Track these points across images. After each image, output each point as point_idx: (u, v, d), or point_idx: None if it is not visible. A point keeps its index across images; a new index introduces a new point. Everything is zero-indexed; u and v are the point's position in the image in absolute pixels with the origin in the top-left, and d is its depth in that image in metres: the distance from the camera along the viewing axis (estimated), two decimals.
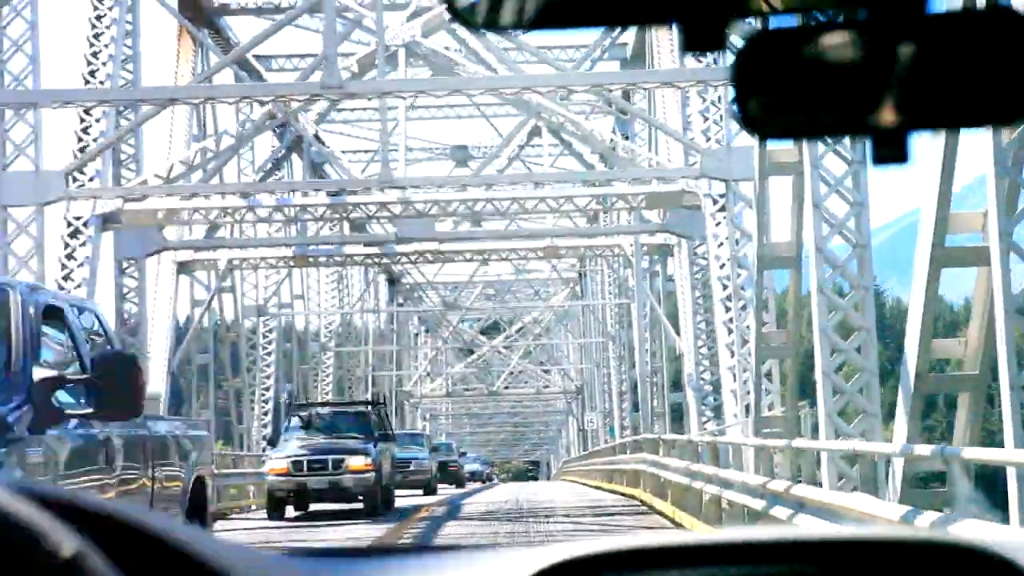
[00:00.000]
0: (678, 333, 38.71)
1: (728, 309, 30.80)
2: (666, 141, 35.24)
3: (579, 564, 1.42)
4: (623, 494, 38.59)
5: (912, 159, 1.52)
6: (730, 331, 30.69)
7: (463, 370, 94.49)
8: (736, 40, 1.70)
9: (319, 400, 60.45)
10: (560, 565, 1.42)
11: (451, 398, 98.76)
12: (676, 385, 44.38)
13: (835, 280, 22.44)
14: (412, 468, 43.58)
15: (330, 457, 28.58)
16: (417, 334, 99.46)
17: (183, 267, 38.30)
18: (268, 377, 50.29)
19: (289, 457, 28.87)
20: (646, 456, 34.06)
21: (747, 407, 28.31)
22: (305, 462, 28.62)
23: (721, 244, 31.04)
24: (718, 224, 31.25)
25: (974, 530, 10.13)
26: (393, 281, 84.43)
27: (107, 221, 30.32)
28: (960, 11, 1.62)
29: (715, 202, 30.59)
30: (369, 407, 32.38)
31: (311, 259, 38.75)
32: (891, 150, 1.52)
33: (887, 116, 1.51)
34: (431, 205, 31.84)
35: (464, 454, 67.10)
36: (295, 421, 31.16)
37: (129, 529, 1.30)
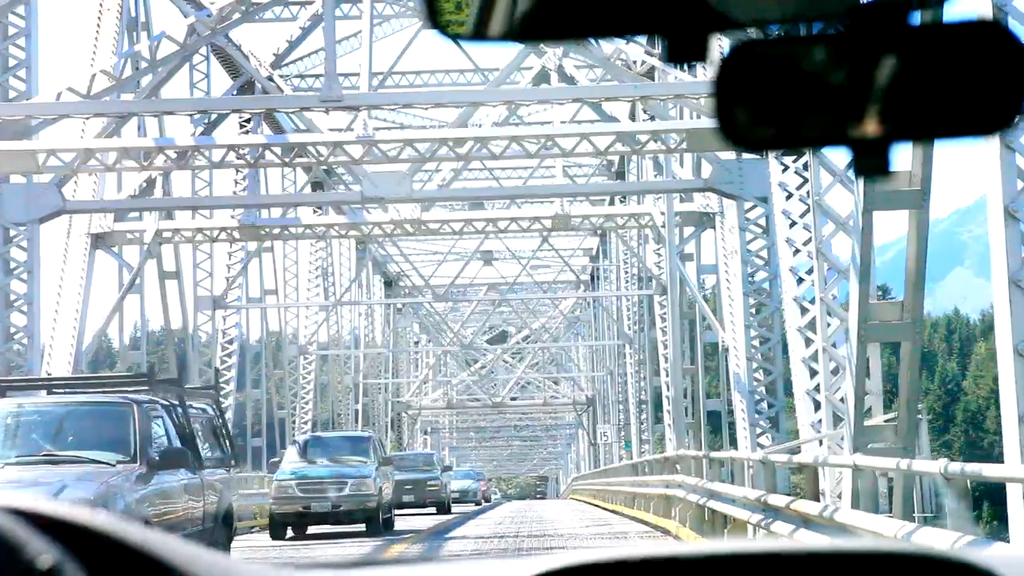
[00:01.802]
0: (717, 325, 30.43)
1: (800, 281, 22.48)
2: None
3: (573, 572, 1.41)
4: (651, 525, 30.26)
5: (893, 169, 1.51)
6: (804, 310, 22.36)
7: (466, 378, 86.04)
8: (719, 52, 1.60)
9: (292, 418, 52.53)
10: (554, 572, 1.42)
11: (453, 410, 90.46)
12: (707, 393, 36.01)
13: None
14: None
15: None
16: (417, 342, 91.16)
17: (100, 240, 30.00)
18: (228, 382, 41.91)
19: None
20: (683, 480, 25.67)
21: (835, 415, 19.95)
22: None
23: (790, 196, 22.78)
24: (785, 170, 23.02)
25: None
26: (390, 283, 76.51)
27: None
28: (941, 23, 1.59)
29: None
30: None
31: (262, 230, 30.32)
32: (873, 161, 1.51)
33: (869, 127, 1.50)
34: (402, 147, 23.49)
35: (448, 468, 51.48)
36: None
37: (107, 541, 1.30)
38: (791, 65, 1.50)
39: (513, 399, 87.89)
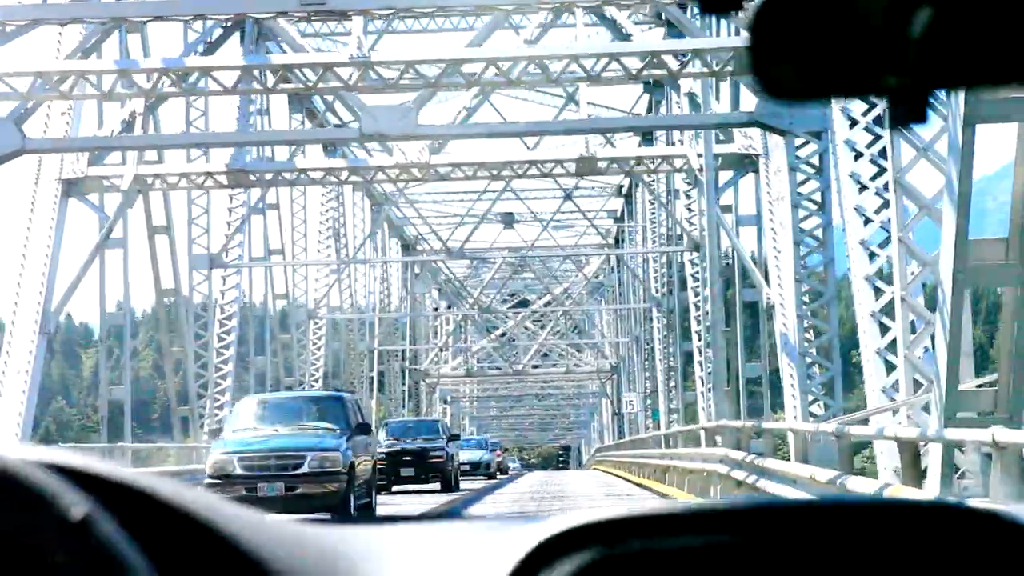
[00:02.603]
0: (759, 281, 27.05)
1: (868, 222, 19.09)
2: None
3: (583, 533, 1.41)
4: None
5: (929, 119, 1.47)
6: (872, 256, 18.98)
7: (486, 346, 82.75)
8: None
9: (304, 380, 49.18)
10: (565, 534, 1.41)
11: (472, 378, 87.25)
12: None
13: None
14: None
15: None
16: (436, 308, 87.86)
17: (72, 187, 26.72)
18: (227, 347, 38.66)
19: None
20: (726, 453, 22.28)
21: (915, 380, 16.57)
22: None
23: (854, 124, 19.37)
24: None
25: None
26: (408, 247, 73.12)
27: None
28: None
29: None
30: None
31: (252, 175, 26.92)
32: (909, 110, 1.49)
33: (905, 75, 1.49)
34: (403, 70, 20.11)
35: (456, 437, 40.93)
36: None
37: (140, 495, 1.31)
38: (826, 12, 1.46)
39: (535, 367, 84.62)
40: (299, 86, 20.52)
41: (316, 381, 51.44)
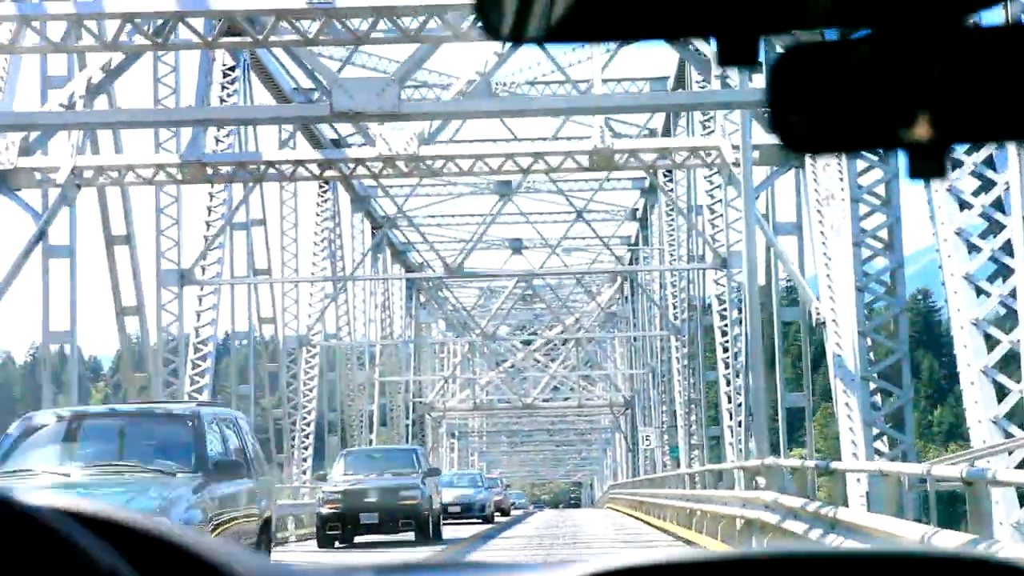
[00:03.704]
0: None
1: (964, 207, 14.81)
2: None
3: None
4: None
5: (947, 173, 1.49)
6: (973, 249, 14.67)
7: (494, 378, 78.47)
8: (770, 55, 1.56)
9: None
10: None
11: (480, 411, 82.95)
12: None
13: None
14: None
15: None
16: (444, 343, 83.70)
17: (2, 182, 22.52)
18: (202, 374, 34.37)
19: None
20: (775, 498, 17.92)
21: None
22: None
23: None
24: None
25: None
26: (411, 269, 68.93)
27: None
28: (995, 25, 1.57)
29: None
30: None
31: (208, 168, 22.63)
32: (928, 164, 1.48)
33: (924, 130, 1.47)
34: (374, 20, 15.87)
35: (436, 471, 31.63)
36: None
37: (159, 544, 1.31)
38: (843, 68, 1.46)
39: (545, 401, 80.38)
40: (246, 40, 16.31)
41: (309, 414, 47.13)
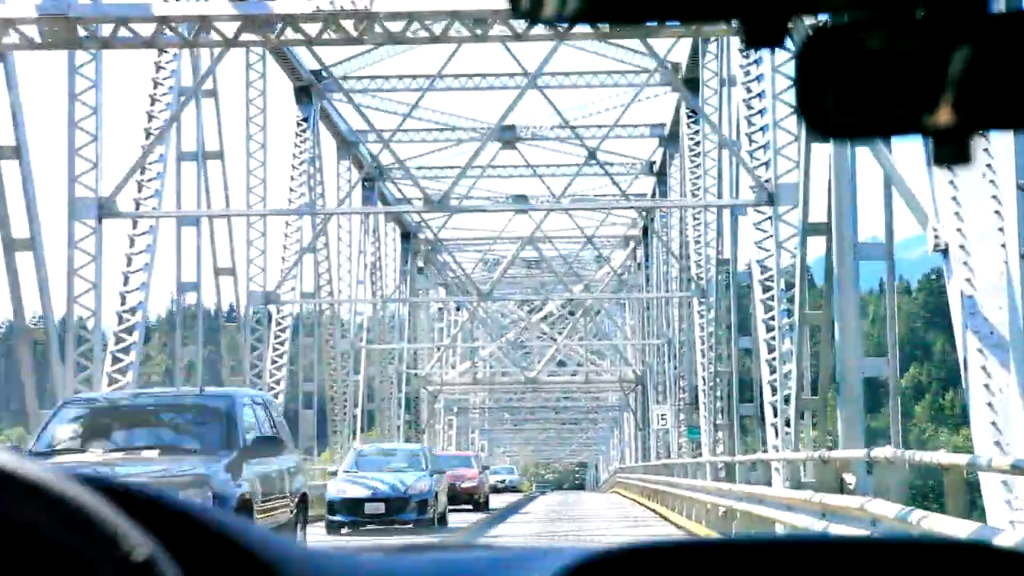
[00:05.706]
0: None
1: None
2: None
3: (606, 563, 1.36)
4: None
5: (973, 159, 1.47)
6: None
7: (496, 350, 72.02)
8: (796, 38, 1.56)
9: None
10: (586, 565, 1.36)
11: (480, 386, 76.41)
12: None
13: None
14: None
15: None
16: (442, 308, 77.34)
17: None
18: (127, 350, 27.67)
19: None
20: (897, 511, 11.25)
21: None
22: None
23: None
24: None
25: None
26: (408, 235, 62.45)
27: None
28: (1021, 11, 1.56)
29: None
30: None
31: (80, 26, 15.70)
32: (953, 150, 1.47)
33: (949, 116, 1.46)
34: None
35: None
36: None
37: (196, 525, 1.30)
38: (870, 52, 1.44)
39: (550, 375, 74.02)
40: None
41: (278, 383, 40.41)
